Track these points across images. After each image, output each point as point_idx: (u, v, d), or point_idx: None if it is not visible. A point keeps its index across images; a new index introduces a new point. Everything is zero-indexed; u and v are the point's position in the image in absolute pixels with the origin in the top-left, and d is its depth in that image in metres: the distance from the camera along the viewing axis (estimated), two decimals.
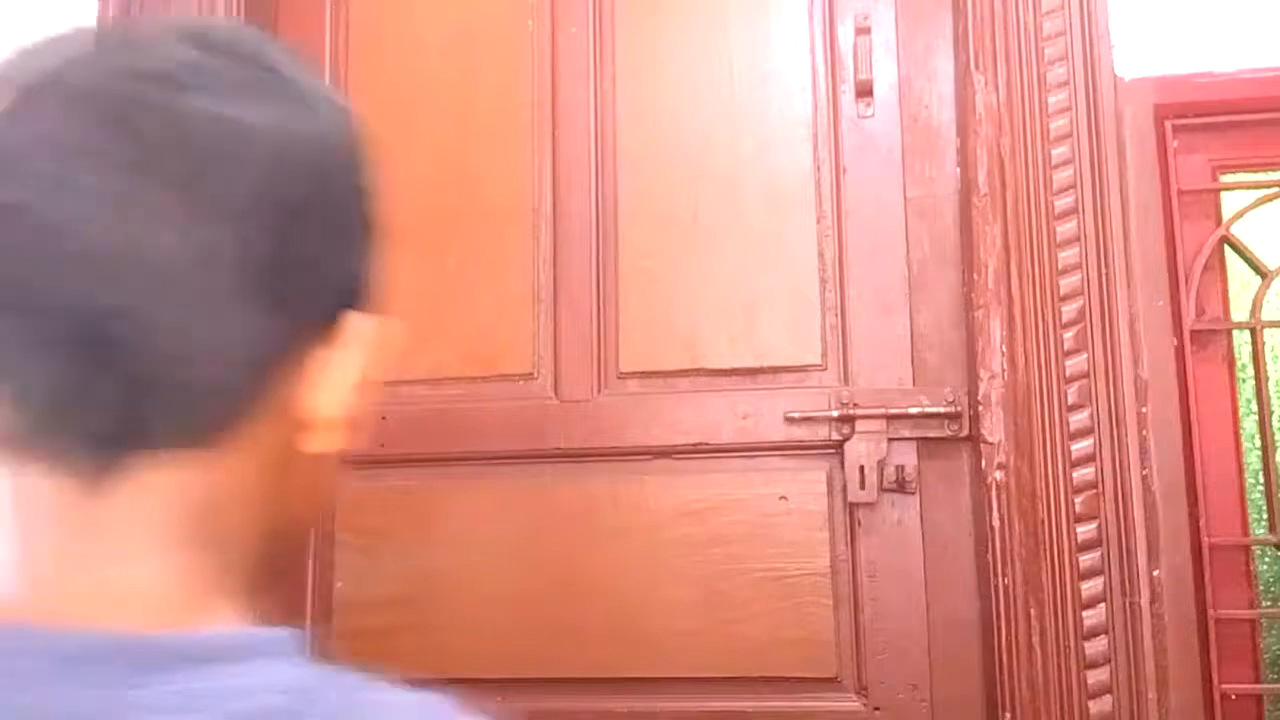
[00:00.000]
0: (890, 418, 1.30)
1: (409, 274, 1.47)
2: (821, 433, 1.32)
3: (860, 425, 1.31)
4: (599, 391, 1.40)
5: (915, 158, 1.38)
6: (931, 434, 1.30)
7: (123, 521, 0.43)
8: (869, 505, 1.31)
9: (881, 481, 1.30)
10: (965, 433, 1.29)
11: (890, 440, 1.30)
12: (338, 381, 0.47)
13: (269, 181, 0.43)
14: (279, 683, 0.41)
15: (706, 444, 1.35)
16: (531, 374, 1.42)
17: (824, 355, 1.36)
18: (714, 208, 1.40)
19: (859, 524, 1.32)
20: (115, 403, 0.41)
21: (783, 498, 1.33)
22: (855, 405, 1.31)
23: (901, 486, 1.30)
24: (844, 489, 1.31)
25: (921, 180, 1.37)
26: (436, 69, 1.51)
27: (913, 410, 1.30)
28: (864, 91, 1.39)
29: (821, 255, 1.38)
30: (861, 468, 1.30)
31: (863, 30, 1.40)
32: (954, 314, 1.33)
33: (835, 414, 1.31)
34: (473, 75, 1.49)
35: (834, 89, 1.41)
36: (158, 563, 0.43)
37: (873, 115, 1.39)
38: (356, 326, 0.48)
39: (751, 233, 1.39)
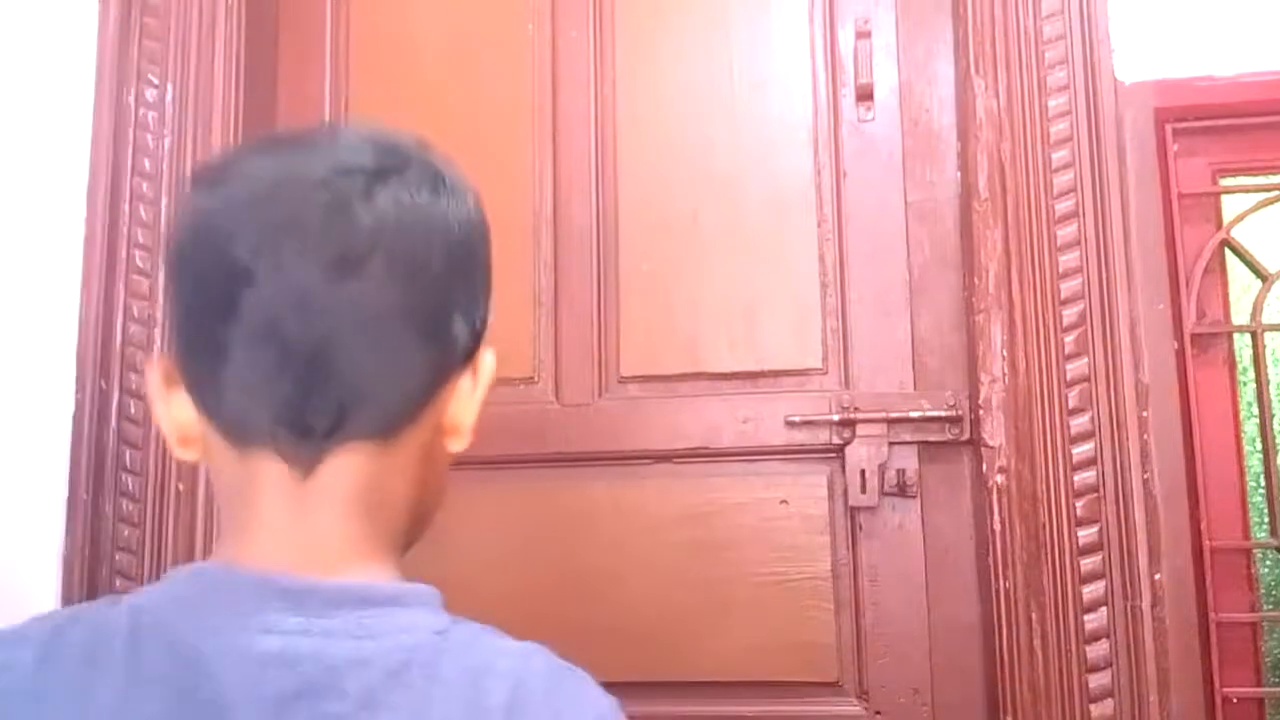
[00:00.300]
0: (891, 421, 1.30)
1: None
2: (822, 436, 1.32)
3: (861, 429, 1.31)
4: (600, 395, 1.40)
5: (916, 162, 1.38)
6: (932, 438, 1.30)
7: (321, 496, 0.58)
8: (870, 509, 1.31)
9: (882, 485, 1.30)
10: (966, 436, 1.29)
11: (891, 444, 1.30)
12: (472, 399, 0.64)
13: (443, 253, 0.60)
14: (429, 624, 0.58)
15: (707, 448, 1.35)
16: (532, 378, 1.42)
17: (825, 359, 1.36)
18: (714, 211, 1.40)
19: (860, 528, 1.32)
20: (329, 410, 0.57)
21: (784, 501, 1.33)
22: (856, 409, 1.31)
23: (902, 490, 1.30)
24: (845, 493, 1.31)
25: (922, 184, 1.37)
26: (436, 73, 1.51)
27: (913, 414, 1.30)
28: (864, 95, 1.39)
29: (822, 259, 1.38)
30: (862, 471, 1.30)
31: (863, 34, 1.40)
32: (955, 318, 1.33)
33: (836, 418, 1.31)
34: (473, 79, 1.49)
35: (834, 93, 1.41)
36: (341, 527, 0.59)
37: (873, 119, 1.40)
38: (484, 358, 0.65)
39: (752, 236, 1.39)
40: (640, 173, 1.43)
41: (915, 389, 1.33)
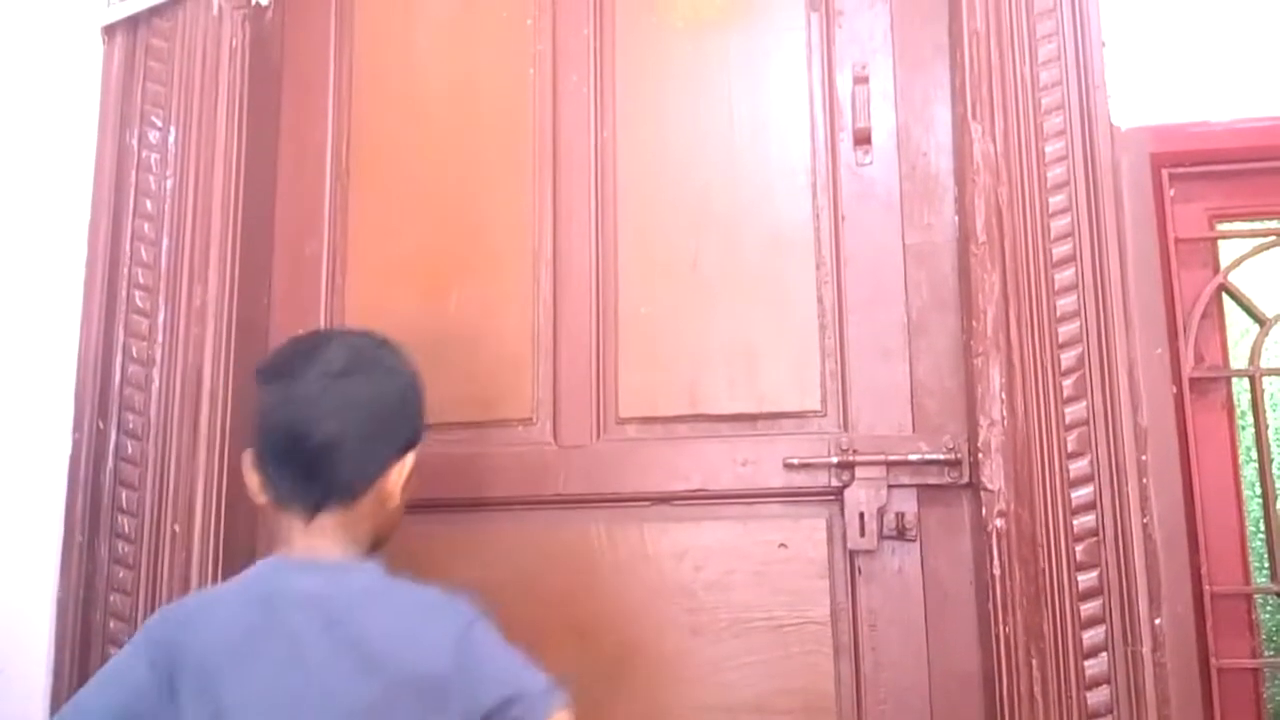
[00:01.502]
0: (890, 464, 1.30)
1: (410, 317, 1.47)
2: (821, 479, 1.32)
3: (860, 472, 1.30)
4: (598, 437, 1.40)
5: (914, 205, 1.38)
6: (931, 481, 1.30)
7: (317, 530, 1.06)
8: (869, 553, 1.30)
9: (881, 529, 1.29)
10: (965, 480, 1.29)
11: (890, 487, 1.30)
12: (398, 480, 1.09)
13: (379, 412, 1.08)
14: (376, 574, 1.05)
15: (705, 490, 1.35)
16: (531, 419, 1.42)
17: (823, 401, 1.36)
18: (714, 254, 1.41)
19: (859, 572, 1.31)
20: (316, 494, 1.05)
21: (782, 545, 1.32)
22: (855, 452, 1.31)
23: (902, 534, 1.29)
24: (844, 536, 1.31)
25: (920, 227, 1.38)
26: (438, 117, 1.52)
27: (912, 457, 1.30)
28: (862, 139, 1.40)
29: (821, 301, 1.38)
30: (861, 515, 1.29)
31: (861, 79, 1.41)
32: (953, 361, 1.33)
33: (835, 460, 1.31)
34: (475, 122, 1.51)
35: (833, 137, 1.42)
36: (329, 542, 1.06)
37: (871, 163, 1.40)
38: (407, 457, 1.10)
39: (751, 279, 1.39)
40: (640, 215, 1.44)
41: (914, 431, 1.33)
